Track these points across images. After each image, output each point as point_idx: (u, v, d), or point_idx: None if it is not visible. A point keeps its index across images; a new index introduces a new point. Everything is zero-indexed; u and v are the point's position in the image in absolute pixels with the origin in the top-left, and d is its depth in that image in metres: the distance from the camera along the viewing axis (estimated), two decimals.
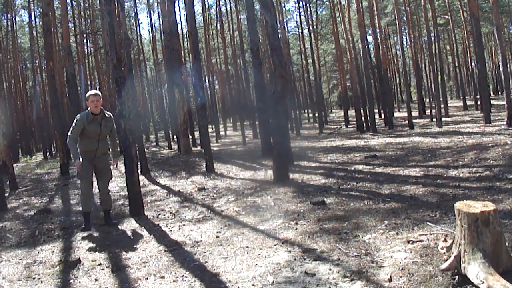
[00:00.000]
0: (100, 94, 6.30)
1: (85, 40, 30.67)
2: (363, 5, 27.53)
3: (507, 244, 3.40)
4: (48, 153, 29.22)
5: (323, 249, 4.38)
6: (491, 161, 8.21)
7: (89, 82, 31.96)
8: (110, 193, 6.80)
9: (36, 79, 32.41)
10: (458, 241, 3.32)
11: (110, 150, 6.79)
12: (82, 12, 30.24)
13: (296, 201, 6.93)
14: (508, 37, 41.96)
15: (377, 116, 30.95)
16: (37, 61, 33.79)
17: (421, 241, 4.23)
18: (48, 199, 9.94)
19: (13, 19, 31.68)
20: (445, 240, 3.76)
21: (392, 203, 6.07)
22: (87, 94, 6.30)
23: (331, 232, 4.91)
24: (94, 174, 6.61)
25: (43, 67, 30.65)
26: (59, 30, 25.21)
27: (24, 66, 38.67)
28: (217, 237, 5.33)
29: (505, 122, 16.84)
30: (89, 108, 6.25)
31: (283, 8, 38.04)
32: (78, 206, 8.76)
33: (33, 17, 30.44)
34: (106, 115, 6.39)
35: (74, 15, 28.81)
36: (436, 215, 5.12)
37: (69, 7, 26.84)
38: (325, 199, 6.67)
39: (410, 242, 4.24)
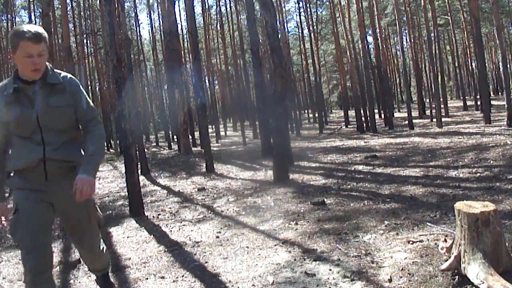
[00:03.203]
0: (46, 36, 2.65)
1: (85, 41, 30.67)
2: (363, 5, 27.52)
3: (507, 244, 3.40)
4: None
5: (323, 249, 4.37)
6: (491, 161, 8.21)
7: (89, 82, 31.94)
8: (104, 249, 3.23)
9: None
10: (458, 241, 3.32)
11: (87, 157, 2.75)
12: (82, 12, 30.23)
13: (296, 201, 6.93)
14: (508, 38, 41.95)
15: (377, 116, 30.92)
16: None
17: (421, 241, 4.23)
18: None
19: (13, 19, 31.68)
20: (445, 241, 3.76)
21: (392, 203, 6.08)
22: (13, 33, 2.63)
23: (331, 232, 4.91)
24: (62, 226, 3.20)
25: None
26: (59, 30, 25.20)
27: None
28: (217, 237, 5.33)
29: (505, 122, 16.83)
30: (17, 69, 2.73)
31: (283, 8, 38.03)
32: None
33: (33, 18, 30.42)
34: (56, 79, 2.74)
35: (74, 15, 28.82)
36: (436, 216, 5.12)
37: (69, 7, 26.85)
38: (325, 200, 6.67)
39: (410, 242, 4.24)
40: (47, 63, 2.68)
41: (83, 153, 2.78)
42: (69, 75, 2.81)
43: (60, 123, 2.70)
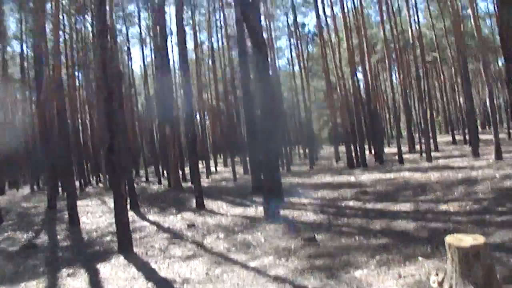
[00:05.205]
0: None
1: (76, 73, 30.80)
2: (353, 42, 28.03)
3: (498, 276, 3.38)
4: (35, 186, 28.89)
5: (314, 285, 4.31)
6: (480, 195, 8.23)
7: (79, 115, 31.91)
8: None
9: (26, 110, 32.32)
10: (450, 274, 3.29)
11: None
12: (74, 45, 30.44)
13: (286, 238, 6.86)
14: (495, 73, 42.81)
15: (367, 151, 31.08)
16: (27, 92, 33.72)
17: (412, 275, 4.19)
18: (34, 234, 9.76)
19: (4, 48, 31.80)
20: (437, 274, 3.73)
21: (383, 238, 6.04)
22: None
23: (322, 268, 4.85)
24: None
25: (33, 99, 30.60)
26: (50, 62, 25.36)
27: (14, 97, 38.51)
28: (207, 274, 5.25)
29: (493, 156, 16.97)
30: None
31: (275, 45, 38.67)
32: (65, 241, 8.65)
33: (24, 48, 30.69)
34: None
35: (66, 48, 28.99)
36: (427, 249, 5.09)
37: (61, 39, 27.05)
38: (315, 235, 6.62)
39: (402, 277, 4.20)
40: None
41: None
42: None
43: None
